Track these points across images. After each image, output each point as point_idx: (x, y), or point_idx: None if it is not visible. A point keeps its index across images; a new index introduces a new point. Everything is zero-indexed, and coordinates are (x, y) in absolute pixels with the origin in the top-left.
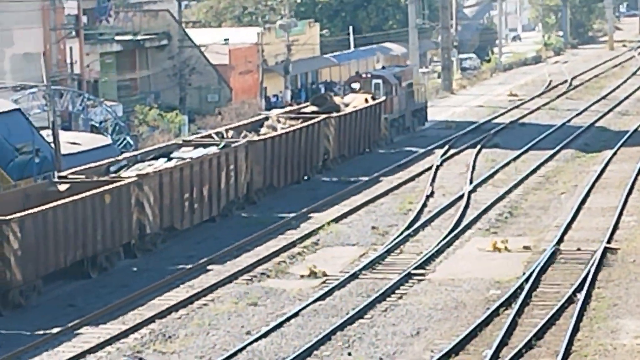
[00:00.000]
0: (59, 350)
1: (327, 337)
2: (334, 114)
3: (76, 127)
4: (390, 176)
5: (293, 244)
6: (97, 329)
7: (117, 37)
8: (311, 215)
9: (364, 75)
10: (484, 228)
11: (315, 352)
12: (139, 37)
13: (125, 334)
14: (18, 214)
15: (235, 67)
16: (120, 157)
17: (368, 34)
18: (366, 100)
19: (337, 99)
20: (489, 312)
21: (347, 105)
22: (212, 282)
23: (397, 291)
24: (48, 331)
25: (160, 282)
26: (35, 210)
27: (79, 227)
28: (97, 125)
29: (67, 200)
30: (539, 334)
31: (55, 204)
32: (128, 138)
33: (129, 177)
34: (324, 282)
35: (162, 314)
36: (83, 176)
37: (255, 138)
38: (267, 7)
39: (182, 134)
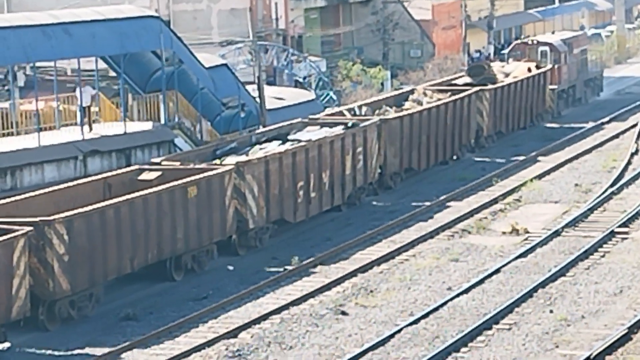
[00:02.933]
0: (263, 301)
1: (529, 294)
2: (489, 86)
3: (281, 82)
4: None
5: (495, 201)
6: (301, 281)
7: None
8: (514, 172)
9: (529, 42)
10: None
11: (516, 309)
12: None
13: (328, 287)
14: (65, 214)
15: (438, 23)
16: (230, 139)
17: None
18: (529, 70)
19: (496, 68)
20: None
21: (507, 75)
22: (413, 237)
23: (600, 249)
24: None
25: (362, 236)
26: (89, 208)
27: (151, 226)
28: (301, 80)
29: (134, 195)
30: None
31: (116, 200)
32: (331, 93)
33: (225, 165)
34: (525, 239)
35: (364, 268)
36: (178, 163)
37: (390, 115)
38: None
39: (385, 89)
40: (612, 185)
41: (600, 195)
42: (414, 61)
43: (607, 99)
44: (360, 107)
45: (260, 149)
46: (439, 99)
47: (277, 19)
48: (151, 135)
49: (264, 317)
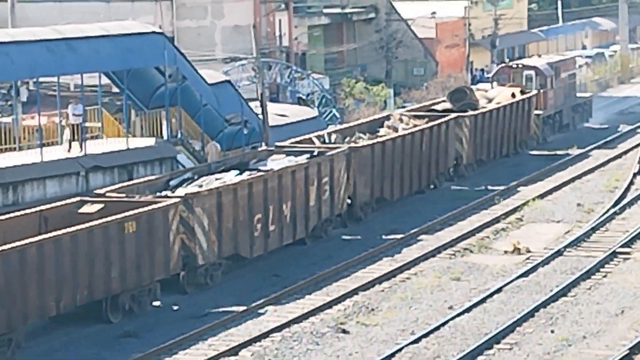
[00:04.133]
0: (264, 319)
1: (530, 314)
2: (469, 112)
3: (284, 99)
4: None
5: (497, 220)
6: (302, 299)
7: (325, 10)
8: (517, 190)
9: (514, 66)
10: None
11: (517, 329)
12: (346, 10)
13: (329, 305)
14: None
15: (441, 41)
16: (186, 169)
17: (577, 8)
18: (513, 95)
19: (479, 93)
20: None
21: (490, 100)
22: (415, 255)
23: (601, 269)
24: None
25: (363, 254)
26: (8, 246)
27: (80, 265)
28: (304, 97)
29: (60, 232)
30: None
31: (39, 238)
32: (334, 111)
33: (171, 198)
34: (527, 259)
35: (365, 286)
36: (123, 195)
37: (361, 143)
38: None
39: (388, 107)
40: (614, 205)
41: (602, 215)
42: (417, 79)
43: (609, 118)
44: (330, 134)
45: (217, 179)
46: (415, 125)
47: (280, 36)
48: (154, 152)
49: (265, 334)
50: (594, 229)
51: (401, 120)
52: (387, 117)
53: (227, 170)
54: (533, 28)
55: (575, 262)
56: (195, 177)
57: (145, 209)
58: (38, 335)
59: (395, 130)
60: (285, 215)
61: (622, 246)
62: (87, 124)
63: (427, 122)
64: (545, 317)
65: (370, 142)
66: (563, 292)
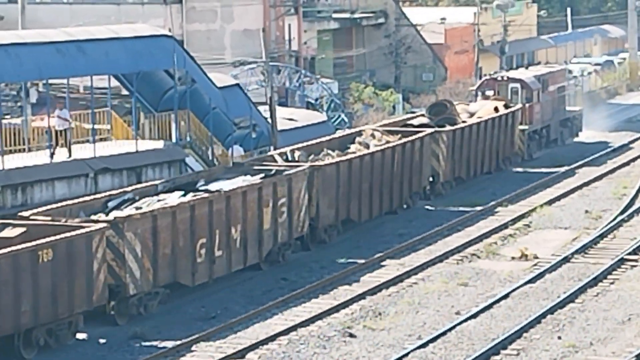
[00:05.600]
0: (271, 322)
1: (537, 320)
2: (447, 128)
3: (292, 103)
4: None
5: (505, 226)
6: (309, 303)
7: (335, 15)
8: (524, 197)
9: (499, 79)
10: None
11: (524, 335)
12: (356, 15)
13: (336, 309)
14: None
15: (450, 47)
16: (129, 189)
17: (586, 15)
18: (496, 109)
19: (461, 107)
20: None
21: (472, 115)
22: (422, 261)
23: (609, 276)
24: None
25: (371, 259)
26: None
27: None
28: (313, 102)
29: None
30: None
31: None
32: (343, 115)
33: (97, 223)
34: (535, 265)
35: (372, 291)
36: (48, 217)
37: (325, 161)
38: None
39: (397, 112)
40: (622, 213)
41: (610, 222)
42: (426, 85)
43: (617, 125)
44: (292, 151)
45: (159, 200)
46: (388, 142)
47: (290, 41)
48: (162, 154)
49: (272, 338)
50: (601, 236)
51: (373, 136)
52: (359, 133)
53: (172, 190)
54: (542, 35)
55: (582, 269)
56: (137, 198)
57: (64, 235)
58: None
59: (367, 146)
60: (235, 239)
61: (629, 253)
62: (96, 126)
63: (400, 138)
64: (553, 323)
65: (335, 160)
66: (570, 299)
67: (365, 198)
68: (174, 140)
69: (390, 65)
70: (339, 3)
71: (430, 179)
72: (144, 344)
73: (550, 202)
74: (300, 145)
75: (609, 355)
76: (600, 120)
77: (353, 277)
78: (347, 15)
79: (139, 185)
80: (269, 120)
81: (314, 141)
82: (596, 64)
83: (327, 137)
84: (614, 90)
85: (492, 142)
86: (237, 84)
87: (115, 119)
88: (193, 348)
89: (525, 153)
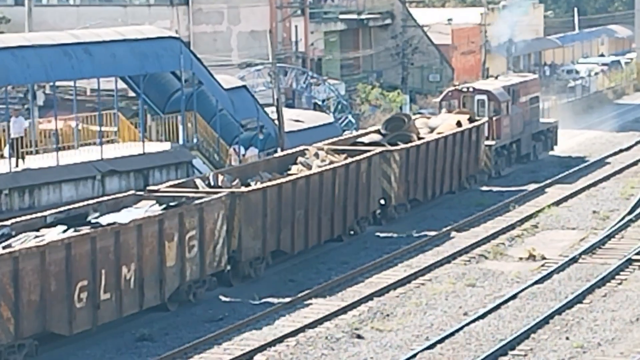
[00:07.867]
0: (279, 324)
1: (545, 321)
2: (400, 146)
3: (299, 104)
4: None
5: (512, 226)
6: (317, 304)
7: (341, 16)
8: (531, 198)
9: (464, 90)
10: None
11: (532, 335)
12: (362, 16)
13: (344, 310)
14: None
15: (457, 47)
16: (7, 223)
17: (593, 15)
18: (459, 124)
19: (421, 121)
20: None
21: (432, 130)
22: (430, 262)
23: (617, 277)
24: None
25: (378, 260)
26: None
27: None
28: (320, 103)
29: None
30: None
31: None
32: (350, 116)
33: None
34: (542, 266)
35: (380, 292)
36: None
37: (252, 187)
38: None
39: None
40: (630, 213)
41: (618, 223)
42: (433, 85)
43: (624, 125)
44: (216, 175)
45: (36, 236)
46: (332, 162)
47: (296, 42)
48: (169, 156)
49: (280, 339)
50: (609, 236)
51: (317, 156)
52: (302, 153)
53: (54, 225)
54: (549, 35)
55: (590, 269)
56: (13, 233)
57: None
58: None
59: (309, 167)
60: (128, 279)
61: (637, 253)
62: (103, 128)
63: (346, 158)
64: (560, 324)
65: (261, 186)
66: (578, 299)
67: (299, 226)
68: (181, 142)
69: (397, 66)
70: (346, 4)
71: (382, 202)
72: (151, 345)
73: (557, 203)
74: (231, 167)
75: (617, 355)
76: (608, 120)
77: (360, 278)
78: (353, 16)
79: (25, 217)
80: (276, 122)
81: (248, 162)
82: (603, 64)
83: (266, 158)
84: (621, 90)
85: (454, 160)
86: (244, 86)
87: (122, 121)
88: (201, 350)
89: (493, 170)
